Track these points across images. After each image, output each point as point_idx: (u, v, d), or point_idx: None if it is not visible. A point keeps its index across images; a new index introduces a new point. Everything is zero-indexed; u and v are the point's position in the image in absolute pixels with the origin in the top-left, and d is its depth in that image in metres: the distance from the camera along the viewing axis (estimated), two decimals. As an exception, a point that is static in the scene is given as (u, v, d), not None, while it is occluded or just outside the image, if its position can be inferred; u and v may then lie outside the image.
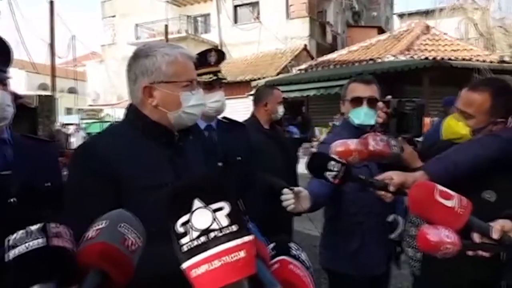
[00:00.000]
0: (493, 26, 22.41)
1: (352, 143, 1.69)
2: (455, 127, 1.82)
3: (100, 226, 0.82)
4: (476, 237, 1.22)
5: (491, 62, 13.33)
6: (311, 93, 13.85)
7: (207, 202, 0.65)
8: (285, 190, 1.80)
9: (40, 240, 0.73)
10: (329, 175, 1.51)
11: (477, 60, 13.40)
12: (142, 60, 1.42)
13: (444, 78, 11.59)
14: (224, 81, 2.49)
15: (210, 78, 2.38)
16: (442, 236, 1.11)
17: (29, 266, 0.72)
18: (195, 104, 1.46)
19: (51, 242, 0.74)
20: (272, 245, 0.87)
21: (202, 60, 2.35)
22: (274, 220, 2.67)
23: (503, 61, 13.94)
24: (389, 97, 1.80)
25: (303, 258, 0.87)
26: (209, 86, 2.38)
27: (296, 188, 1.81)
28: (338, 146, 1.71)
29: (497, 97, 1.75)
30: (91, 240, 0.80)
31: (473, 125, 1.77)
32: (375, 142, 1.62)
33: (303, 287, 0.80)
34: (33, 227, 0.75)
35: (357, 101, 2.27)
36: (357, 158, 1.66)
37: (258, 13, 21.82)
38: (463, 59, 13.49)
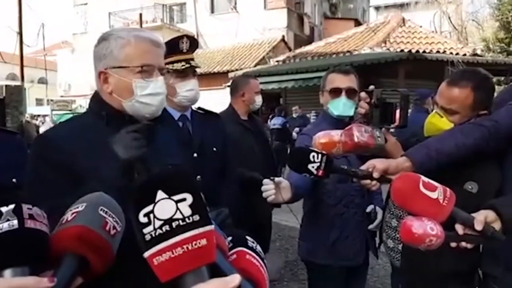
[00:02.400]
0: (466, 20, 22.88)
1: (336, 135, 1.64)
2: (438, 123, 1.81)
3: (78, 209, 0.80)
4: (459, 229, 1.21)
5: (464, 55, 13.62)
6: (289, 85, 13.84)
7: (170, 194, 0.66)
8: (266, 181, 1.76)
9: (13, 222, 0.71)
10: (312, 167, 1.47)
11: (451, 53, 13.68)
12: (99, 44, 1.36)
13: (419, 70, 11.77)
14: (197, 69, 2.40)
15: (183, 66, 2.28)
16: (427, 228, 1.10)
17: (1, 250, 0.70)
18: (151, 93, 1.35)
19: (25, 224, 0.72)
20: (229, 238, 0.89)
21: (173, 47, 2.27)
22: (253, 213, 2.66)
23: (476, 54, 14.25)
24: (372, 87, 1.77)
25: (258, 250, 0.90)
26: (182, 75, 2.29)
27: (276, 179, 1.77)
28: (321, 137, 1.66)
29: (479, 91, 1.73)
30: (68, 223, 0.78)
31: (457, 121, 1.76)
32: (359, 133, 1.58)
33: (259, 276, 0.84)
34: (5, 208, 0.72)
35: (336, 92, 2.25)
36: (341, 150, 1.62)
37: (235, 3, 21.64)
38: (437, 52, 13.73)
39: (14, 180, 1.51)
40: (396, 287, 2.22)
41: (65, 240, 0.76)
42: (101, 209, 0.81)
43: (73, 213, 0.80)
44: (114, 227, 0.81)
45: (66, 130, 1.35)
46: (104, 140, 1.29)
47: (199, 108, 2.56)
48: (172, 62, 2.25)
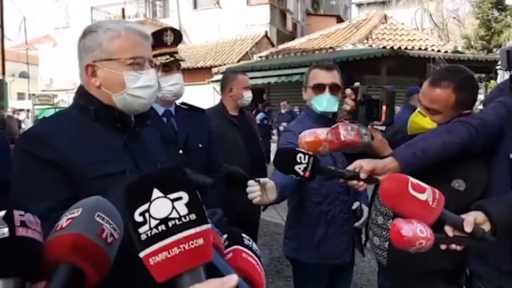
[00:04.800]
0: (447, 17, 23.17)
1: (322, 133, 1.61)
2: (421, 122, 1.80)
3: (73, 215, 0.75)
4: (448, 230, 1.20)
5: (445, 52, 13.80)
6: (272, 80, 13.86)
7: (166, 192, 0.64)
8: (251, 182, 1.72)
9: (3, 230, 0.66)
10: (298, 168, 1.45)
11: (432, 50, 13.86)
12: (86, 36, 1.31)
13: (401, 67, 11.89)
14: (182, 63, 2.36)
15: (167, 59, 2.23)
16: (416, 231, 1.08)
17: None
18: (142, 85, 1.32)
19: (16, 233, 0.66)
20: (225, 236, 0.88)
21: (157, 40, 2.21)
22: (239, 209, 2.63)
23: (457, 51, 14.45)
24: (357, 84, 1.74)
25: (254, 248, 0.89)
26: (166, 68, 2.24)
27: (262, 180, 1.73)
28: (307, 136, 1.63)
29: (461, 91, 1.72)
30: (62, 230, 0.73)
31: (440, 120, 1.75)
32: (346, 132, 1.55)
33: (256, 275, 0.83)
34: None
35: (319, 88, 2.23)
36: (327, 148, 1.59)
37: (218, -2, 21.51)
38: (419, 49, 13.89)
39: None
40: (382, 285, 2.22)
41: (58, 249, 0.71)
42: (98, 215, 0.75)
43: (68, 219, 0.74)
44: (111, 235, 0.76)
45: (53, 126, 1.30)
46: (92, 135, 1.27)
47: (182, 103, 2.51)
48: (156, 56, 2.18)
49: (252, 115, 3.69)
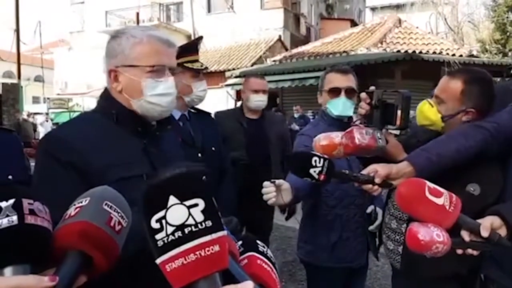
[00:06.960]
0: (462, 21, 22.95)
1: (337, 137, 1.62)
2: (427, 112, 1.80)
3: (81, 204, 0.77)
4: (465, 235, 1.20)
5: (460, 56, 13.67)
6: (286, 84, 13.85)
7: (182, 199, 0.65)
8: (266, 183, 1.73)
9: (12, 218, 0.67)
10: (314, 171, 1.46)
11: (447, 54, 13.73)
12: (111, 41, 1.35)
13: (416, 71, 11.80)
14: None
15: (201, 65, 2.36)
16: (433, 235, 1.08)
17: (0, 247, 0.66)
18: (161, 93, 1.32)
19: (25, 220, 0.68)
20: (240, 242, 0.89)
21: (194, 47, 2.37)
22: (252, 213, 2.65)
23: (472, 55, 14.29)
24: (372, 87, 1.75)
25: (269, 254, 0.90)
26: (196, 74, 2.35)
27: (277, 181, 1.75)
28: (321, 139, 1.64)
29: (469, 85, 1.72)
30: (71, 218, 0.75)
31: (444, 111, 1.76)
32: (361, 136, 1.55)
33: (270, 281, 0.83)
34: (5, 203, 0.68)
35: (335, 92, 2.24)
36: (341, 152, 1.60)
37: (232, 3, 21.61)
38: (434, 53, 13.77)
39: (10, 177, 1.50)
40: (396, 289, 2.20)
41: (67, 237, 0.73)
42: (106, 204, 0.77)
43: (76, 208, 0.77)
44: (119, 223, 0.78)
45: (76, 129, 1.32)
46: (113, 138, 1.29)
47: (191, 107, 2.56)
48: (190, 62, 2.30)
49: (275, 118, 3.64)
